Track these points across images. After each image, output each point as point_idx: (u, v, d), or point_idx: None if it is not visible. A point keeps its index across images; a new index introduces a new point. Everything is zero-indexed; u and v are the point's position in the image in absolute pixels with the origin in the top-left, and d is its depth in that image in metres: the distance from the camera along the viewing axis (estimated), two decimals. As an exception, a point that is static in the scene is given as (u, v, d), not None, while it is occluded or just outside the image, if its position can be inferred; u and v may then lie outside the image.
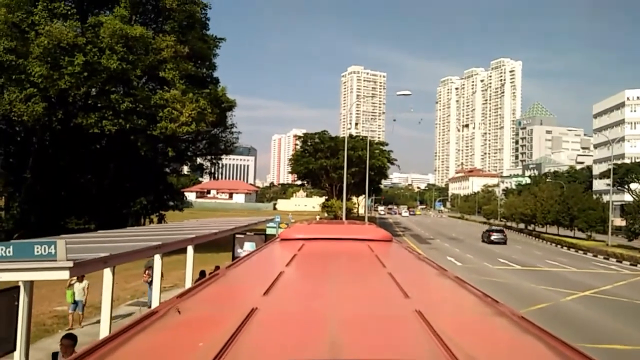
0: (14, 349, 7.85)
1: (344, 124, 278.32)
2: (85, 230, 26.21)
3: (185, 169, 53.54)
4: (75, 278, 12.25)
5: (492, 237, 50.72)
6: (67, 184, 32.41)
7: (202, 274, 15.21)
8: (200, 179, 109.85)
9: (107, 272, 9.96)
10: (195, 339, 1.92)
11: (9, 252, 5.95)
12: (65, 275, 5.82)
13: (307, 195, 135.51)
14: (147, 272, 14.57)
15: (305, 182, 73.14)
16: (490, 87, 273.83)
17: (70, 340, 7.96)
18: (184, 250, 13.86)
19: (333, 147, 59.65)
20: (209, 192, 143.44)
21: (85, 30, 29.78)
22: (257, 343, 1.86)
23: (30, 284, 8.11)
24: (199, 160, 46.17)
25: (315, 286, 3.34)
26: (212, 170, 49.34)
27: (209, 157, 45.60)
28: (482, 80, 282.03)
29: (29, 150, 31.24)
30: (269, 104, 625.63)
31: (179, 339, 2.00)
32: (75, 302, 12.75)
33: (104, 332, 9.75)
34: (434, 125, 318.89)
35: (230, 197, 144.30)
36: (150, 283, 17.18)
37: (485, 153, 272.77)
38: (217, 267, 17.07)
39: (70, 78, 26.97)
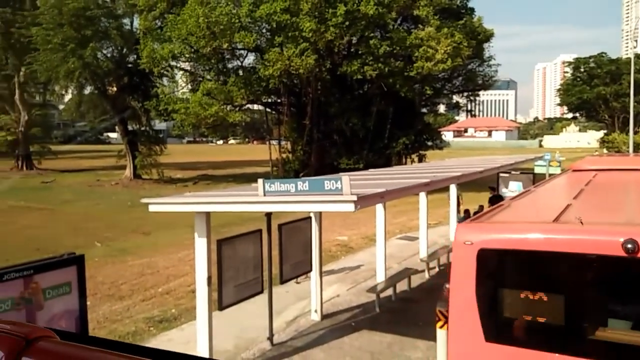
0: (310, 270, 9.28)
1: (627, 43, 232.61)
2: (355, 169, 28.84)
3: (442, 108, 53.28)
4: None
5: None
6: (337, 128, 35.99)
7: (467, 212, 15.18)
8: (456, 117, 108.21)
9: (379, 208, 10.80)
10: None
11: (305, 186, 6.86)
12: (350, 207, 6.43)
13: (579, 130, 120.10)
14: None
15: (578, 114, 64.85)
16: None
17: None
18: (442, 190, 14.04)
19: (614, 72, 50.87)
20: (466, 130, 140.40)
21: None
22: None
23: (319, 215, 9.35)
24: (455, 97, 45.33)
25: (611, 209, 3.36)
26: (470, 108, 48.01)
27: (465, 94, 44.37)
28: None
29: (305, 100, 35.56)
30: (530, 29, 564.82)
31: None
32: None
33: (379, 259, 10.71)
34: None
35: (489, 134, 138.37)
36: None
37: None
38: (481, 207, 16.73)
39: (335, 29, 29.14)
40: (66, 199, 28.06)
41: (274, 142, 38.57)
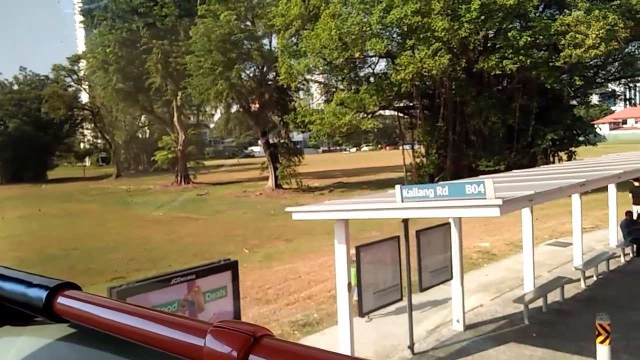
0: (451, 278, 8.95)
1: None
2: (496, 171, 27.29)
3: (595, 98, 48.19)
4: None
5: None
6: (474, 128, 34.43)
7: (629, 214, 13.51)
8: (613, 107, 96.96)
9: (526, 212, 10.05)
10: None
11: (445, 191, 6.66)
12: (495, 212, 6.06)
13: None
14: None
15: None
16: None
17: None
18: (598, 190, 12.58)
19: None
20: (625, 121, 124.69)
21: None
22: None
23: (459, 220, 9.00)
24: (610, 86, 40.76)
25: None
26: (629, 96, 42.73)
27: (623, 81, 39.61)
28: None
29: (439, 101, 34.64)
30: None
31: None
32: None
33: (527, 267, 9.97)
34: None
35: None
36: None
37: None
38: (629, 213, 14.53)
39: (469, 25, 28.03)
40: (218, 210, 30.77)
41: (407, 146, 38.15)
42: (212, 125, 75.86)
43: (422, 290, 8.50)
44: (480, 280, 11.43)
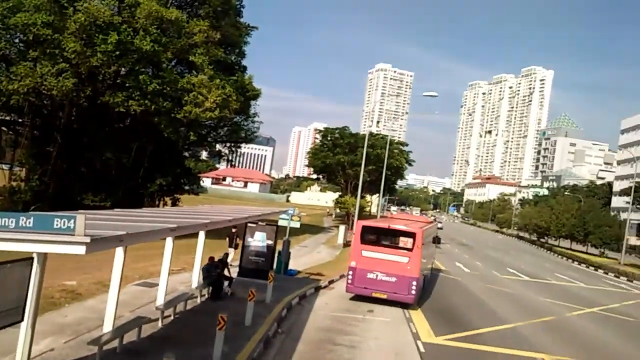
0: (22, 320, 8.04)
1: (365, 121, 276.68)
2: (101, 207, 26.69)
3: (204, 154, 53.96)
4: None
5: None
6: (88, 160, 32.96)
7: (211, 259, 15.49)
8: (217, 165, 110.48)
9: (119, 251, 10.18)
10: None
11: (29, 223, 6.12)
12: (81, 250, 5.93)
13: (321, 190, 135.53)
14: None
15: (321, 176, 73.12)
16: (518, 94, 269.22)
17: None
18: (193, 235, 14.13)
19: (352, 144, 59.53)
20: (224, 179, 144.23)
21: (122, 9, 30.26)
22: None
23: (43, 256, 8.31)
24: (218, 146, 46.48)
25: None
26: (231, 158, 49.70)
27: (228, 145, 45.88)
28: (510, 87, 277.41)
29: (54, 125, 31.80)
30: (294, 95, 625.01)
31: None
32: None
33: (110, 307, 9.98)
34: (457, 129, 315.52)
35: (245, 185, 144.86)
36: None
37: (505, 161, 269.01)
38: (226, 255, 17.34)
39: (103, 56, 27.34)
40: None
41: (4, 166, 33.01)
42: None
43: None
44: (57, 322, 10.71)
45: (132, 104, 29.23)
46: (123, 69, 30.84)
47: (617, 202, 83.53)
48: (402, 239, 17.53)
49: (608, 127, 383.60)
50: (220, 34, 33.51)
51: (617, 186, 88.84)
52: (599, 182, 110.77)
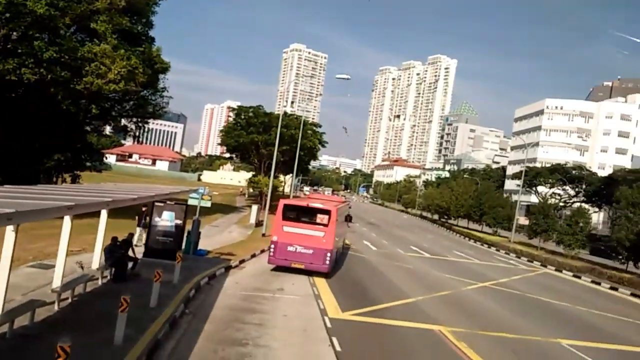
0: None
1: (280, 102, 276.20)
2: None
3: (108, 129, 50.91)
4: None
5: None
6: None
7: (114, 240, 14.81)
8: (123, 141, 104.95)
9: (9, 230, 9.42)
10: None
11: None
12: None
13: (234, 169, 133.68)
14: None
15: (234, 155, 71.95)
16: (425, 81, 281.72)
17: None
18: (96, 214, 13.41)
19: (266, 123, 59.00)
20: (130, 156, 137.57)
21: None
22: None
23: None
24: (123, 121, 43.99)
25: None
26: (137, 134, 47.27)
27: (135, 120, 43.53)
28: (418, 74, 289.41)
29: None
30: (206, 71, 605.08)
31: None
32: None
33: None
34: (368, 112, 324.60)
35: (154, 163, 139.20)
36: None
37: (411, 145, 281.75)
38: (131, 235, 16.67)
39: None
40: None
41: None
42: None
43: None
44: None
45: (26, 72, 26.84)
46: (14, 33, 28.09)
47: (509, 185, 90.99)
48: (319, 215, 19.76)
49: (504, 115, 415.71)
50: (125, 0, 31.50)
51: (510, 170, 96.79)
52: (494, 166, 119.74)
